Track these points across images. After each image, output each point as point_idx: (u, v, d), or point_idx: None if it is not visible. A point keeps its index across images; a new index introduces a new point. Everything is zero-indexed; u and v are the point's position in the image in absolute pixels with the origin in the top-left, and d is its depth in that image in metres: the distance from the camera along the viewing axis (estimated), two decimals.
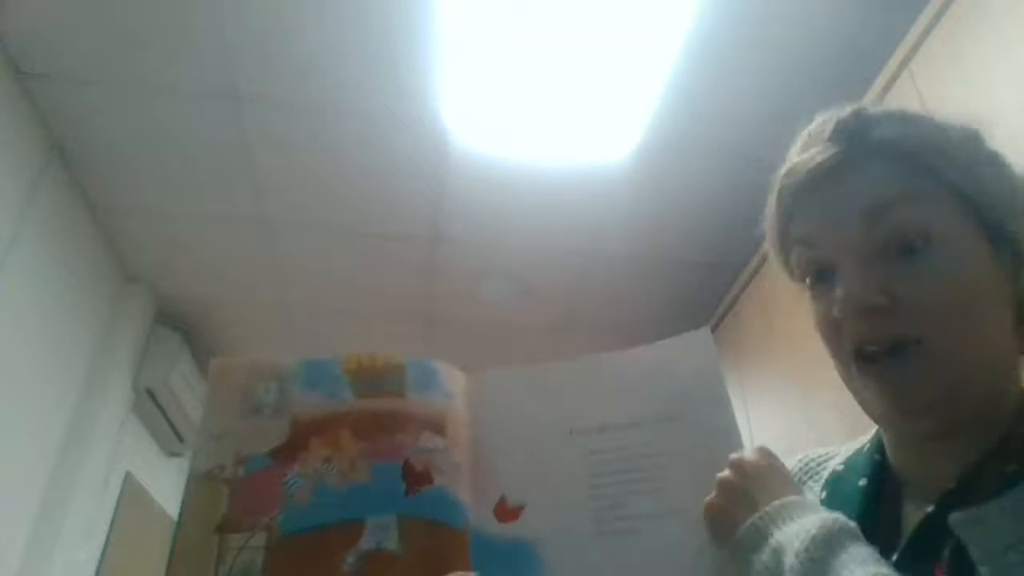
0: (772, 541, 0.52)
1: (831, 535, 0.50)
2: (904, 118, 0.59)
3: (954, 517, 0.50)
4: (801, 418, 1.76)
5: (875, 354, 0.55)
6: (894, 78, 1.54)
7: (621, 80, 1.91)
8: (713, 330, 2.53)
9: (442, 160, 2.16)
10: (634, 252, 2.52)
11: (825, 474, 0.66)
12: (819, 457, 0.70)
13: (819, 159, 0.59)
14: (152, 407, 2.75)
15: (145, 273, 2.64)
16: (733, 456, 0.59)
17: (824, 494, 0.63)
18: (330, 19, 1.78)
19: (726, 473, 0.58)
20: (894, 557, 0.53)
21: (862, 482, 0.60)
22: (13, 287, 2.01)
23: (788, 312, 1.94)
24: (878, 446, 0.62)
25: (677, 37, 1.80)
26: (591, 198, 2.28)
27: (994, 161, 0.58)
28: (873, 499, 0.59)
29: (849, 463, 0.64)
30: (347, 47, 1.84)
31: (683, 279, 2.63)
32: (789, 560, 0.50)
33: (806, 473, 0.69)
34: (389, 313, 2.85)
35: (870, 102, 1.64)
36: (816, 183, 0.59)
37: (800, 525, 0.52)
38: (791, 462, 0.72)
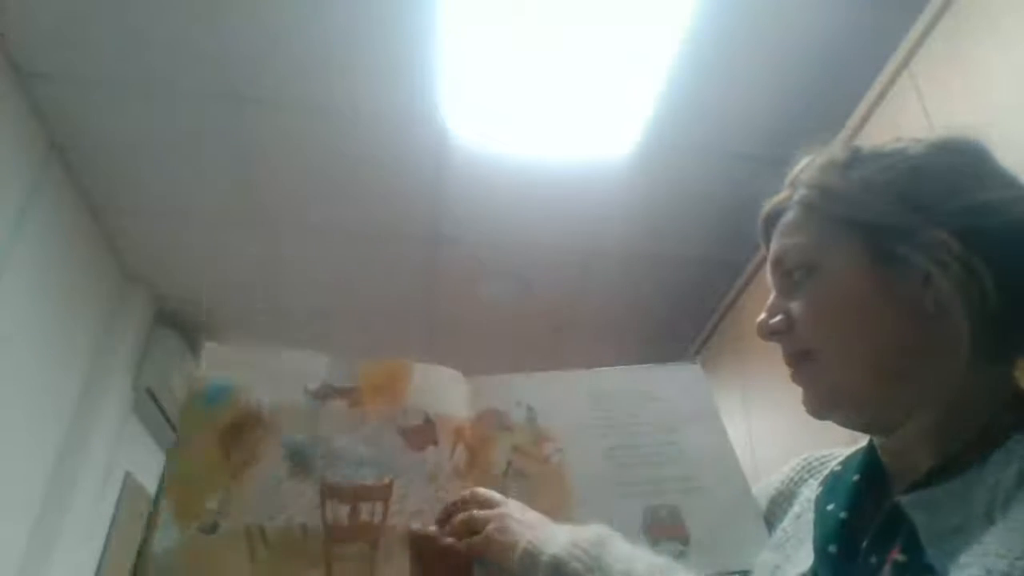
0: (545, 557, 0.59)
1: (600, 536, 0.59)
2: (830, 164, 0.67)
3: (905, 499, 0.54)
4: (801, 417, 1.76)
5: (789, 367, 0.66)
6: (894, 78, 1.54)
7: (621, 78, 1.91)
8: (713, 329, 2.53)
9: (442, 160, 2.16)
10: (634, 250, 2.53)
11: (825, 472, 0.70)
12: (822, 457, 0.74)
13: (766, 209, 0.71)
14: (152, 407, 2.75)
15: (145, 273, 2.64)
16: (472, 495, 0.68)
17: (820, 490, 0.67)
18: (329, 19, 1.78)
19: (479, 513, 0.66)
20: (863, 544, 0.56)
21: (855, 477, 0.65)
22: (13, 287, 2.01)
23: None
24: (871, 445, 0.66)
25: (677, 35, 1.80)
26: (591, 197, 2.28)
27: (903, 185, 0.61)
28: (864, 493, 0.63)
29: (846, 463, 0.69)
30: (346, 47, 1.84)
31: (683, 277, 2.63)
32: (573, 567, 0.57)
33: (807, 471, 0.74)
34: (389, 313, 2.85)
35: (870, 102, 1.64)
36: (764, 228, 0.71)
37: (567, 537, 0.60)
38: (793, 462, 0.76)
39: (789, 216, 0.68)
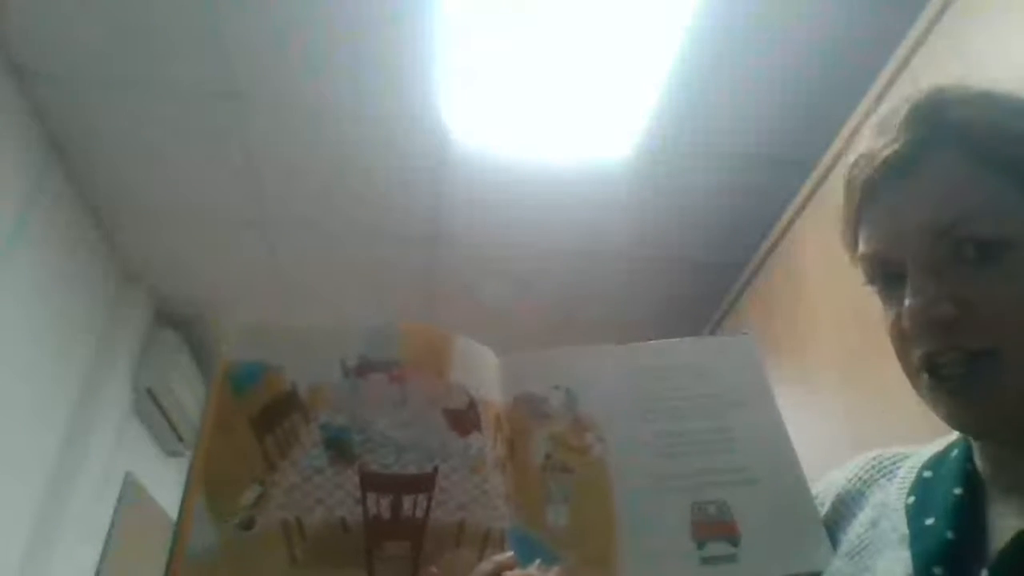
0: None
1: None
2: (987, 100, 0.55)
3: None
4: (802, 419, 1.76)
5: (949, 370, 0.52)
6: (894, 78, 1.54)
7: (621, 79, 1.90)
8: (713, 330, 2.53)
9: (442, 160, 2.15)
10: (634, 252, 2.52)
11: (900, 472, 0.63)
12: (893, 457, 0.66)
13: (887, 151, 0.54)
14: (152, 407, 2.75)
15: (145, 273, 2.64)
16: None
17: (912, 499, 0.59)
18: (330, 20, 1.78)
19: None
20: (983, 573, 0.49)
21: (957, 491, 0.56)
22: (13, 287, 2.01)
23: (789, 312, 1.94)
24: (967, 454, 0.58)
25: (677, 36, 1.79)
26: (591, 198, 2.28)
27: None
28: (968, 509, 0.55)
29: (937, 469, 0.60)
30: (347, 47, 1.84)
31: (683, 279, 2.63)
32: None
33: (878, 471, 0.66)
34: (389, 313, 2.85)
35: (870, 102, 1.63)
36: (884, 179, 0.55)
37: None
38: (861, 460, 0.69)
39: (949, 166, 0.52)
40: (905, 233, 0.53)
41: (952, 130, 0.53)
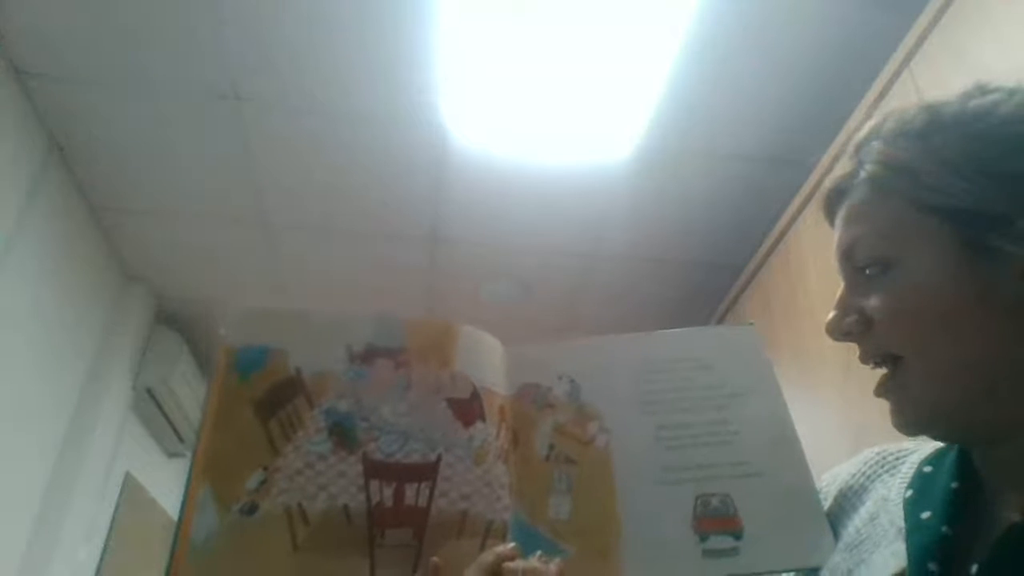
0: None
1: None
2: (892, 131, 0.58)
3: None
4: (803, 418, 1.76)
5: (882, 374, 0.57)
6: (894, 78, 1.54)
7: (622, 80, 1.90)
8: None
9: (442, 160, 2.16)
10: (634, 252, 2.52)
11: (903, 468, 0.64)
12: (897, 452, 0.67)
13: (828, 184, 0.62)
14: (152, 407, 2.75)
15: (145, 273, 2.64)
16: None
17: (910, 492, 0.60)
18: (330, 20, 1.78)
19: None
20: (974, 568, 0.50)
21: (953, 484, 0.57)
22: (13, 287, 2.01)
23: (789, 312, 1.94)
24: (964, 448, 0.60)
25: (677, 37, 1.80)
26: (592, 198, 2.28)
27: (996, 161, 0.53)
28: (964, 503, 0.56)
29: (938, 464, 0.61)
30: (347, 47, 1.84)
31: (683, 279, 2.63)
32: None
33: (881, 466, 0.66)
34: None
35: (870, 102, 1.63)
36: (828, 207, 0.63)
37: None
38: (865, 454, 0.69)
39: (856, 198, 0.59)
40: (835, 256, 0.61)
41: (866, 165, 0.59)
